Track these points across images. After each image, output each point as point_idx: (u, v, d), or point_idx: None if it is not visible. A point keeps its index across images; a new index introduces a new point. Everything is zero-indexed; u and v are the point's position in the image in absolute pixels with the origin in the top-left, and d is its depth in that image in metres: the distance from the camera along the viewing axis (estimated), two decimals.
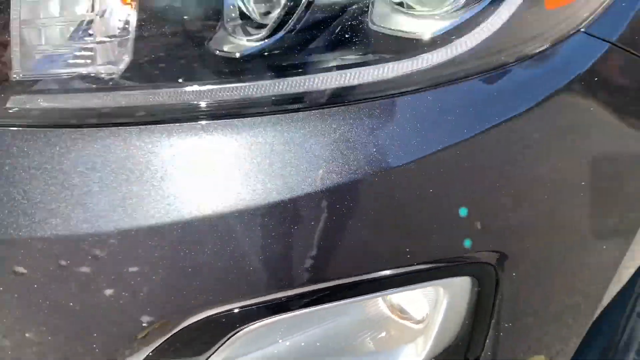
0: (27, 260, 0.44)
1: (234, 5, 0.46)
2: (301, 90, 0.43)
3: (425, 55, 0.42)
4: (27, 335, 0.46)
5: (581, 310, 0.60)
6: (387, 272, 0.47)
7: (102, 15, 0.45)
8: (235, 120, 0.43)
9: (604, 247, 0.55)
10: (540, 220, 0.48)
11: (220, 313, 0.47)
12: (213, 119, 0.43)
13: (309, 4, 0.43)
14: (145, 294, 0.46)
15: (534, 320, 0.57)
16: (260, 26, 0.46)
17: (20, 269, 0.43)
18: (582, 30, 0.45)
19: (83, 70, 0.46)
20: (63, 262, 0.43)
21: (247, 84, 0.42)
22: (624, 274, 0.62)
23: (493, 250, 0.48)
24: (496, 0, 0.42)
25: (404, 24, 0.44)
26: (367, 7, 0.44)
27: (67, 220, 0.43)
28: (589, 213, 0.51)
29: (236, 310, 0.47)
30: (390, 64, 0.42)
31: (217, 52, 0.44)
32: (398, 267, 0.47)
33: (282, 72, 0.43)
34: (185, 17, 0.45)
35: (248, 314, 0.48)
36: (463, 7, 0.43)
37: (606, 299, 0.62)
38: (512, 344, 0.57)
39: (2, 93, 0.46)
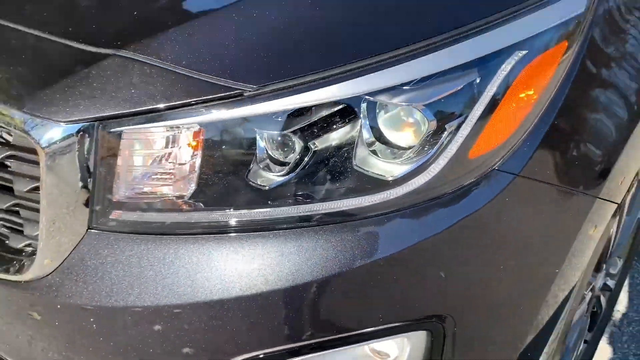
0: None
1: (264, 150, 0.68)
2: (310, 213, 0.65)
3: (390, 190, 0.65)
4: None
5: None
6: (369, 330, 0.70)
7: (178, 149, 0.67)
8: (265, 232, 0.66)
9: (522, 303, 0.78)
10: (471, 294, 0.71)
11: (252, 356, 0.69)
12: (249, 232, 0.66)
13: (313, 152, 0.66)
14: (202, 346, 0.68)
15: None
16: (282, 164, 0.68)
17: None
18: (495, 168, 0.68)
19: (163, 190, 0.68)
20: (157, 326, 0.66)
21: (272, 209, 0.66)
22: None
23: (439, 314, 0.70)
24: (436, 154, 0.65)
25: (376, 167, 0.67)
26: (353, 152, 0.67)
27: (154, 294, 0.66)
28: (508, 286, 0.74)
29: (261, 356, 0.70)
30: (368, 196, 0.65)
31: (252, 183, 0.67)
32: (376, 326, 0.69)
33: (298, 199, 0.66)
34: (232, 157, 0.68)
35: (271, 357, 0.70)
36: (415, 157, 0.66)
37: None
38: None
39: (107, 209, 0.68)
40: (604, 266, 1.17)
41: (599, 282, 1.20)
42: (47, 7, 0.77)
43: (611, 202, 0.81)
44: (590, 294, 1.15)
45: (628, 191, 0.97)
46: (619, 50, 0.77)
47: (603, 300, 1.34)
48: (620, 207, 0.87)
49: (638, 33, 0.79)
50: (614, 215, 0.86)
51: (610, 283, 1.36)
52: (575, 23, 0.71)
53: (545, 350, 0.89)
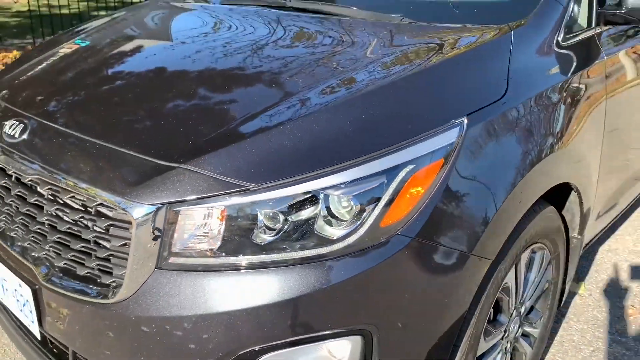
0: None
1: (262, 221, 1.15)
2: (287, 258, 1.11)
3: (334, 245, 1.11)
4: None
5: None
6: (325, 333, 1.13)
7: (211, 221, 1.14)
8: (261, 269, 1.12)
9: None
10: (388, 311, 1.15)
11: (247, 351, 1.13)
12: (250, 269, 1.12)
13: (291, 222, 1.13)
14: (211, 347, 1.12)
15: None
16: (272, 229, 1.15)
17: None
18: (398, 233, 1.14)
19: (201, 246, 1.15)
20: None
21: (265, 256, 1.12)
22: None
23: (368, 324, 1.14)
24: (360, 224, 1.12)
25: (327, 231, 1.13)
26: (315, 222, 1.14)
27: (193, 307, 1.11)
28: (412, 308, 1.18)
29: (257, 349, 1.13)
30: (322, 248, 1.11)
31: (254, 241, 1.14)
32: (329, 330, 1.13)
33: (281, 250, 1.12)
34: (243, 226, 1.15)
35: (261, 350, 1.13)
36: (349, 226, 1.12)
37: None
38: None
39: (168, 256, 1.15)
40: (513, 313, 1.58)
41: (512, 327, 1.60)
42: (132, 129, 1.28)
43: (485, 258, 1.25)
44: (502, 334, 1.55)
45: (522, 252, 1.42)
46: (478, 160, 1.25)
47: (525, 344, 1.73)
48: (496, 263, 1.30)
49: (492, 151, 1.27)
50: (492, 269, 1.30)
51: (534, 332, 1.76)
52: (448, 149, 1.19)
53: None
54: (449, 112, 1.23)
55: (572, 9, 1.63)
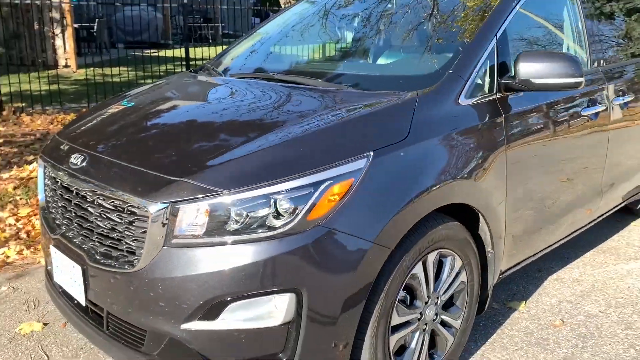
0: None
1: (233, 218, 1.77)
2: (253, 238, 1.72)
3: (277, 230, 1.71)
4: None
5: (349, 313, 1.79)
6: (270, 289, 1.71)
7: (199, 214, 1.77)
8: (234, 246, 1.72)
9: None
10: (311, 278, 1.72)
11: (222, 300, 1.71)
12: (229, 245, 1.73)
13: (251, 217, 1.74)
14: (198, 296, 1.71)
15: (324, 322, 1.76)
16: (238, 222, 1.76)
17: None
18: (319, 224, 1.73)
19: (194, 231, 1.76)
20: None
21: (236, 237, 1.73)
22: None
23: (296, 285, 1.71)
24: (293, 217, 1.71)
25: (274, 222, 1.72)
26: (268, 217, 1.74)
27: (188, 270, 1.72)
28: (325, 282, 1.75)
29: (228, 298, 1.72)
30: (271, 232, 1.71)
31: (227, 229, 1.75)
32: (271, 288, 1.71)
33: (244, 233, 1.73)
34: (218, 219, 1.77)
35: (231, 299, 1.72)
36: (286, 219, 1.72)
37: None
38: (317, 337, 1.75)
39: (172, 238, 1.77)
40: (428, 301, 2.10)
41: (428, 312, 2.12)
42: (154, 158, 1.93)
43: (384, 247, 1.82)
44: (418, 315, 2.07)
45: (427, 252, 1.98)
46: (381, 180, 1.84)
47: (447, 332, 2.24)
48: (397, 253, 1.87)
49: (392, 175, 1.86)
50: (394, 258, 1.86)
51: (455, 323, 2.26)
52: (358, 172, 1.79)
53: (367, 338, 1.85)
54: (360, 148, 1.84)
55: (475, 80, 2.24)
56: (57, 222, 2.16)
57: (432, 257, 2.07)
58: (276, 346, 1.77)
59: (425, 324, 2.13)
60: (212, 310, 1.73)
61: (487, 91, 2.30)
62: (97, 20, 13.80)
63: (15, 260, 3.37)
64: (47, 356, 2.43)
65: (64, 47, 11.52)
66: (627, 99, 3.11)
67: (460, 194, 2.10)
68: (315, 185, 1.75)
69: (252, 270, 1.70)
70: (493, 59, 2.33)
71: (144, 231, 1.79)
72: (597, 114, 2.86)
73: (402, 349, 2.10)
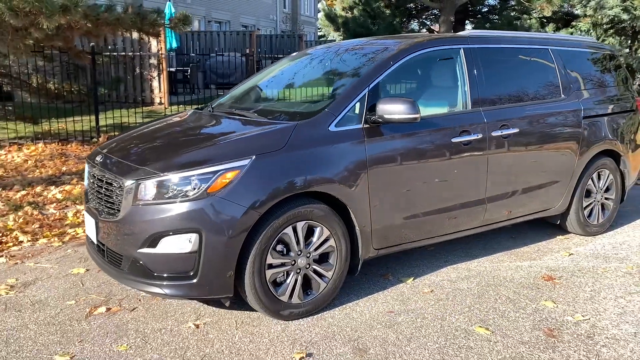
0: None
1: (170, 191, 3.11)
2: (178, 203, 3.05)
3: (192, 196, 3.01)
4: None
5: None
6: (184, 228, 3.01)
7: (150, 187, 3.13)
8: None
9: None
10: (207, 223, 3.00)
11: (159, 235, 3.05)
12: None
13: (178, 190, 3.07)
14: (148, 230, 3.06)
15: (215, 254, 3.02)
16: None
17: None
18: (215, 195, 3.01)
19: (146, 198, 3.12)
20: None
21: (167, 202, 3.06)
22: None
23: (197, 226, 2.99)
24: (196, 191, 3.01)
25: (189, 193, 3.04)
26: (187, 189, 3.06)
27: (150, 220, 3.08)
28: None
29: (170, 233, 3.05)
30: (185, 198, 3.02)
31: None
32: (184, 227, 3.01)
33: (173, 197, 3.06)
34: (165, 192, 3.11)
35: (164, 234, 3.04)
36: (192, 193, 3.02)
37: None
38: (210, 263, 3.02)
39: (138, 201, 3.14)
40: (300, 254, 3.28)
41: (300, 261, 3.29)
42: (137, 157, 3.32)
43: (255, 211, 3.06)
44: (291, 261, 3.26)
45: (296, 220, 3.19)
46: (259, 172, 3.08)
47: (320, 280, 3.39)
48: (267, 217, 3.09)
49: (268, 170, 3.11)
50: (265, 219, 3.08)
51: (328, 274, 3.41)
52: (243, 167, 3.06)
53: (247, 270, 3.08)
54: (247, 153, 3.11)
55: (345, 115, 3.45)
56: (89, 197, 3.60)
57: (301, 225, 3.26)
58: (188, 265, 3.05)
59: (299, 269, 3.31)
60: (154, 241, 3.05)
61: (356, 122, 3.48)
62: (190, 65, 16.07)
63: (82, 235, 4.91)
64: (82, 284, 3.87)
65: (159, 88, 13.70)
66: (505, 132, 4.10)
67: (320, 187, 3.28)
68: (214, 172, 3.05)
69: (176, 218, 3.02)
70: (364, 102, 3.52)
71: (122, 197, 3.17)
72: (469, 142, 3.90)
73: (281, 283, 3.29)
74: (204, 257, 3.02)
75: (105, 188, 3.35)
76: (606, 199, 5.05)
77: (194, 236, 3.02)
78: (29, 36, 5.99)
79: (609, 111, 4.95)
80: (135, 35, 12.95)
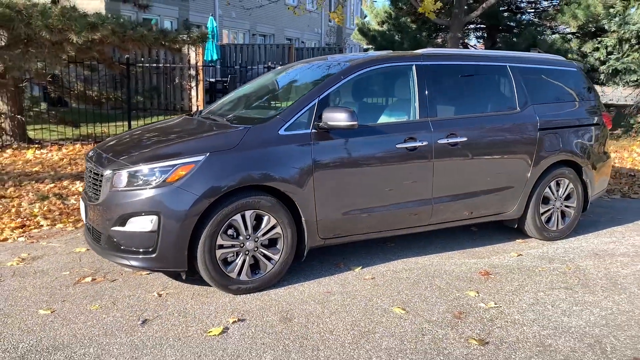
0: None
1: (140, 180, 3.76)
2: (144, 189, 3.71)
3: (153, 184, 3.66)
4: None
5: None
6: (146, 210, 3.65)
7: (122, 177, 3.81)
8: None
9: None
10: (163, 207, 3.64)
11: (127, 216, 3.71)
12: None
13: (144, 180, 3.72)
14: (121, 210, 3.73)
15: (170, 234, 3.64)
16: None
17: None
18: (173, 184, 3.65)
19: (119, 186, 3.80)
20: None
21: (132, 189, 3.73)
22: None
23: (158, 210, 3.63)
24: (161, 180, 3.66)
25: (152, 182, 3.69)
26: (152, 179, 3.71)
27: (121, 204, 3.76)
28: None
29: (130, 213, 3.71)
30: (148, 186, 3.67)
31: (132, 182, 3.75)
32: (146, 210, 3.65)
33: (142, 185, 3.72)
34: (135, 181, 3.77)
35: (131, 215, 3.71)
36: (157, 181, 3.67)
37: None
38: (167, 242, 3.64)
39: (113, 188, 3.81)
40: (248, 238, 3.86)
41: (248, 244, 3.87)
42: (119, 154, 4.01)
43: (206, 199, 3.67)
44: (240, 244, 3.84)
45: (245, 209, 3.78)
46: (213, 167, 3.70)
47: (268, 262, 3.96)
48: (217, 204, 3.70)
49: (219, 165, 3.71)
50: (215, 206, 3.69)
51: (275, 257, 3.98)
52: (198, 161, 3.69)
53: (199, 248, 3.69)
54: (202, 150, 3.73)
55: (295, 121, 4.02)
56: (85, 187, 4.31)
57: (249, 213, 3.84)
58: (150, 242, 3.69)
59: (247, 251, 3.89)
60: (123, 221, 3.71)
61: (305, 128, 4.05)
62: (229, 76, 17.00)
63: None
64: (80, 260, 4.58)
65: (197, 96, 14.64)
66: (452, 140, 4.56)
67: (267, 181, 3.86)
68: (173, 165, 3.69)
69: (141, 203, 3.67)
70: (313, 110, 4.08)
71: (103, 184, 3.85)
72: (415, 148, 4.39)
73: (232, 262, 3.87)
74: (162, 235, 3.65)
75: (93, 177, 4.05)
76: (567, 206, 5.38)
77: (154, 218, 3.65)
78: (62, 49, 6.86)
79: (569, 124, 5.29)
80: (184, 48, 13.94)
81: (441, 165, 4.54)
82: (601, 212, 6.43)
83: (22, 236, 5.21)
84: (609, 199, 7.21)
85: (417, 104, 4.53)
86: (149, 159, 3.77)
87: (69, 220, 5.72)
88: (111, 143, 4.45)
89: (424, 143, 4.44)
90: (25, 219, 5.66)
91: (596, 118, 5.57)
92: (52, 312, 3.59)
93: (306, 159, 3.99)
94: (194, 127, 4.40)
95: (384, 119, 4.50)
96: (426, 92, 4.56)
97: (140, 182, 3.71)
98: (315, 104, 4.11)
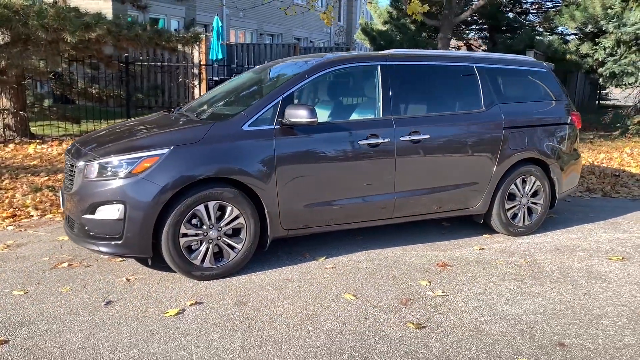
0: None
1: (112, 171, 4.02)
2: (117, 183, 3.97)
3: (121, 176, 3.92)
4: None
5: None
6: (114, 200, 3.91)
7: (94, 169, 4.07)
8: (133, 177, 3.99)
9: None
10: (130, 197, 3.89)
11: (96, 204, 3.98)
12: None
13: (113, 171, 3.98)
14: (91, 198, 3.99)
15: (135, 223, 3.89)
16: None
17: None
18: (138, 175, 3.89)
19: (91, 176, 4.06)
20: None
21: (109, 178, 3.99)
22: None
23: (125, 199, 3.88)
24: (127, 171, 3.91)
25: (119, 173, 3.95)
26: (120, 170, 3.96)
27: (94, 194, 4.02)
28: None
29: (101, 201, 3.97)
30: (116, 177, 3.93)
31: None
32: (114, 200, 3.90)
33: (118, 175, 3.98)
34: (106, 171, 4.03)
35: (101, 203, 3.96)
36: (125, 171, 3.92)
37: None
38: (132, 230, 3.89)
39: (87, 179, 4.07)
40: (211, 227, 4.09)
41: (211, 234, 4.11)
42: (95, 148, 4.27)
43: (169, 190, 3.91)
44: (203, 232, 4.08)
45: (208, 200, 4.01)
46: (178, 160, 3.94)
47: (231, 251, 4.20)
48: (179, 196, 3.94)
49: (184, 159, 3.96)
50: (178, 197, 3.93)
51: (238, 246, 4.22)
52: (163, 154, 3.93)
53: (163, 236, 3.93)
54: (167, 144, 3.98)
55: (259, 118, 4.25)
56: (65, 179, 4.59)
57: (212, 204, 4.08)
58: (116, 229, 3.94)
59: (211, 240, 4.13)
60: (93, 209, 3.97)
61: (268, 124, 4.28)
62: (233, 74, 17.29)
63: None
64: (61, 247, 4.86)
65: (200, 94, 14.94)
66: (415, 137, 4.75)
67: (229, 174, 4.09)
68: (139, 158, 3.94)
69: (109, 192, 3.92)
70: (277, 107, 4.31)
71: (76, 175, 4.12)
72: (377, 144, 4.59)
73: (196, 250, 4.11)
74: (127, 223, 3.90)
75: (69, 169, 4.31)
76: (533, 203, 5.54)
77: (121, 207, 3.91)
78: (57, 48, 7.17)
79: (535, 123, 5.46)
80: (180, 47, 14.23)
81: (404, 162, 4.73)
82: (576, 210, 6.57)
83: (12, 225, 5.50)
84: (589, 198, 7.34)
85: (381, 103, 4.73)
86: (118, 151, 4.02)
87: (59, 211, 6.00)
88: (89, 137, 4.72)
89: (386, 140, 4.63)
90: (16, 209, 5.96)
91: (565, 117, 5.72)
92: (25, 293, 3.85)
93: (269, 153, 4.22)
94: (167, 123, 4.65)
95: (348, 117, 4.71)
96: (390, 91, 4.76)
97: (110, 173, 3.96)
98: (279, 101, 4.33)
